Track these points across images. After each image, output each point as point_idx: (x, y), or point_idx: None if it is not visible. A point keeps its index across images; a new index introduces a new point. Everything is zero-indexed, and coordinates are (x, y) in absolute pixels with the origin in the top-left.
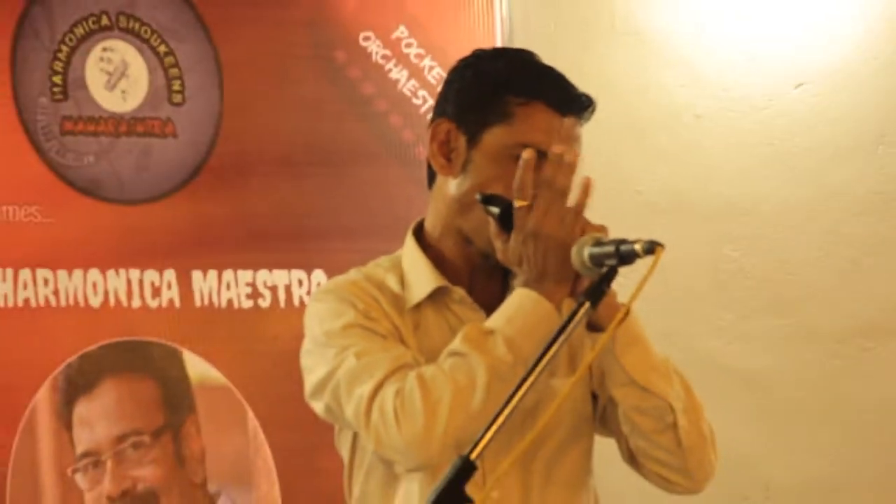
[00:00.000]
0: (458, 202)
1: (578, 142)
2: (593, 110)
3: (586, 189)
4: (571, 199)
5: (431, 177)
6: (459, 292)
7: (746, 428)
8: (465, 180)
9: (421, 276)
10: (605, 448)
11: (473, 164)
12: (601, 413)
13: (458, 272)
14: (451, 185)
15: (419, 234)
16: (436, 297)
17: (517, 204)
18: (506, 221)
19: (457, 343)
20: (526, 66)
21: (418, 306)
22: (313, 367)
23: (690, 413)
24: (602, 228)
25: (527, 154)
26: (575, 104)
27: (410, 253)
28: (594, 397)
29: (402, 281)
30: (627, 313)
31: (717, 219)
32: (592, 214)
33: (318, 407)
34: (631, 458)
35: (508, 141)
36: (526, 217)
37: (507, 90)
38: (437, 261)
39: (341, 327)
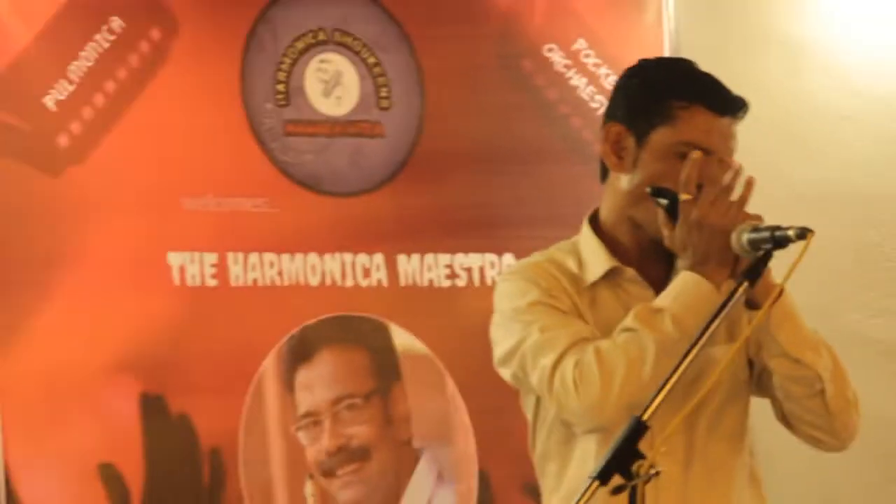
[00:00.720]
0: (630, 194)
1: (734, 139)
2: (747, 110)
3: (749, 186)
4: (735, 195)
5: (604, 172)
6: (631, 272)
7: (887, 393)
8: (635, 176)
9: (597, 259)
10: (757, 408)
11: (642, 162)
12: (757, 379)
13: (629, 255)
14: (623, 180)
15: (594, 221)
16: (610, 276)
17: (682, 197)
18: (672, 212)
19: (629, 320)
20: (686, 73)
21: (594, 285)
22: (501, 340)
23: (837, 381)
24: (758, 217)
25: (695, 154)
26: (730, 105)
27: (587, 238)
28: (750, 364)
29: (580, 263)
30: (782, 292)
31: (860, 207)
32: (751, 205)
33: (505, 374)
34: (783, 419)
35: (673, 140)
36: (690, 209)
37: (670, 95)
38: (611, 245)
39: (527, 304)
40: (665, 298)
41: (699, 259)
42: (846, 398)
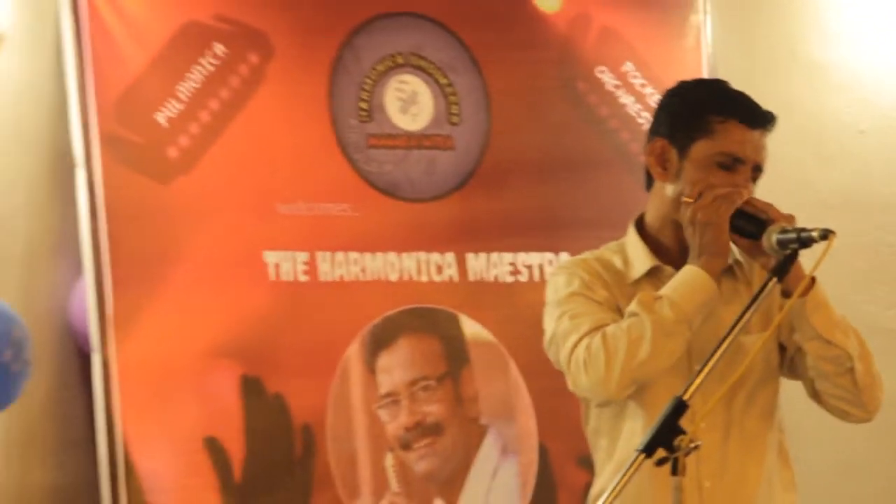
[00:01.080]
0: (674, 201)
1: (765, 149)
2: (775, 124)
3: (741, 192)
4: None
5: (649, 181)
6: (669, 270)
7: None
8: (678, 184)
9: (640, 258)
10: (787, 389)
11: (684, 172)
12: (789, 362)
13: (671, 255)
14: (668, 189)
15: (640, 225)
16: (651, 274)
17: (684, 200)
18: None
19: (632, 305)
20: (721, 92)
21: (637, 281)
22: (547, 326)
23: (864, 360)
24: (791, 218)
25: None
26: (761, 119)
27: (632, 239)
28: (781, 350)
29: (625, 261)
30: (813, 283)
31: (877, 211)
32: (780, 208)
33: (551, 357)
34: (815, 395)
35: (711, 151)
36: (686, 210)
37: (708, 111)
38: (654, 246)
39: (566, 295)
40: (667, 287)
41: (696, 253)
42: (872, 375)
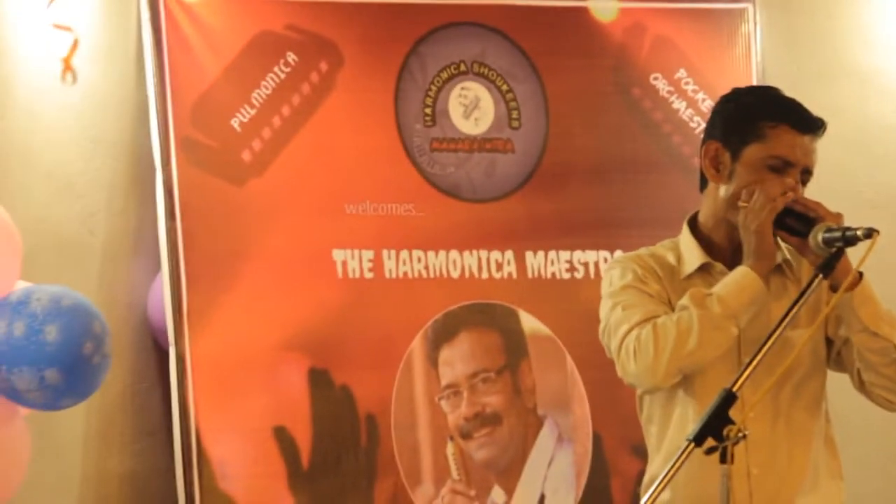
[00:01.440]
0: (727, 202)
1: (815, 153)
2: (825, 129)
3: (789, 193)
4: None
5: (703, 182)
6: (720, 266)
7: None
8: (731, 185)
9: (692, 255)
10: (835, 381)
11: (737, 174)
12: (836, 355)
13: (723, 252)
14: (721, 190)
15: (693, 223)
16: (703, 270)
17: (740, 204)
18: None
19: (684, 300)
20: (774, 98)
21: (689, 276)
22: (602, 317)
23: None
24: (838, 216)
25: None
26: (811, 125)
27: (686, 237)
28: (828, 343)
29: (679, 257)
30: (861, 278)
31: None
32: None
33: (604, 345)
34: (861, 386)
35: (763, 154)
36: (740, 214)
37: (760, 117)
38: (707, 244)
39: (620, 287)
40: (718, 285)
41: (747, 254)
42: None
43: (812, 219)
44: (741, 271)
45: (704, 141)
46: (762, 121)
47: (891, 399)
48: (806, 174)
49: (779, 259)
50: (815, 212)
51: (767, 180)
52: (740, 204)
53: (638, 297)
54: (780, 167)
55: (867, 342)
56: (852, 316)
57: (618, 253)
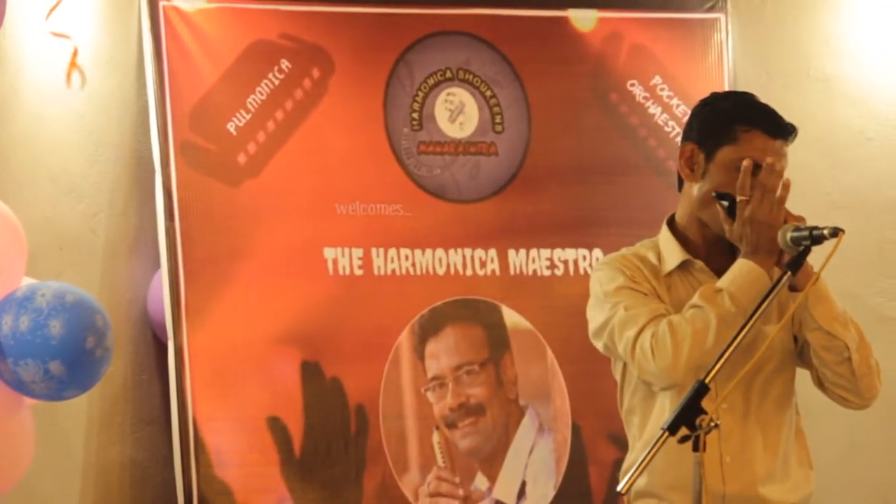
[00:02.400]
0: (699, 200)
1: (785, 157)
2: (796, 135)
3: (786, 186)
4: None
5: (680, 183)
6: (699, 263)
7: None
8: (704, 184)
9: (672, 253)
10: (806, 378)
11: (710, 174)
12: (799, 351)
13: (699, 249)
14: (695, 188)
15: (671, 223)
16: (682, 267)
17: (738, 198)
18: (731, 211)
19: (695, 298)
20: (748, 104)
21: (670, 274)
22: (594, 317)
23: (862, 351)
24: (801, 219)
25: (745, 162)
26: (783, 130)
27: (665, 236)
28: (796, 339)
29: (659, 256)
30: (817, 279)
31: (882, 211)
32: (795, 211)
33: (598, 345)
34: (819, 383)
35: (735, 156)
36: (745, 208)
37: (735, 121)
38: (684, 242)
39: (614, 288)
40: (724, 281)
41: (751, 249)
42: (869, 365)
43: (733, 198)
44: (747, 266)
45: (682, 143)
46: (736, 124)
47: (846, 397)
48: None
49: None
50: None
51: (768, 175)
52: (738, 198)
53: (634, 297)
54: (751, 169)
55: (821, 340)
56: (807, 314)
57: (596, 251)
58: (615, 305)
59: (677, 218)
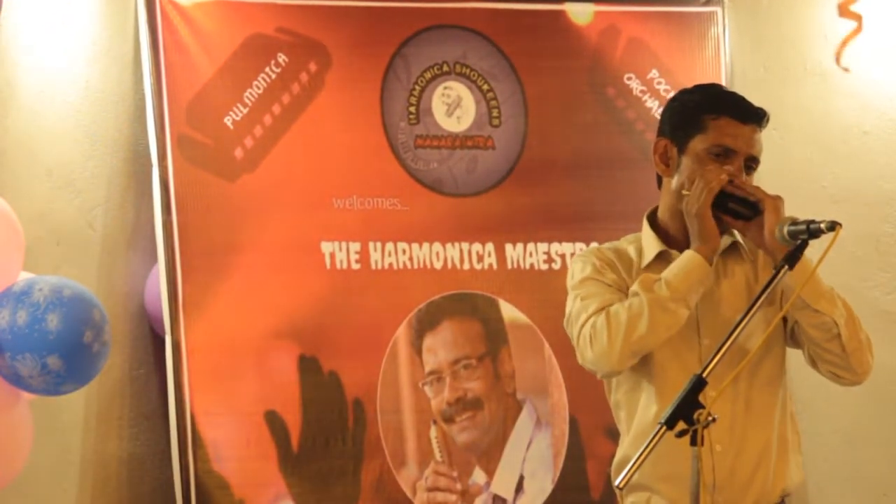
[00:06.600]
0: (675, 193)
1: (759, 143)
2: (767, 119)
3: (723, 180)
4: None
5: (660, 179)
6: (676, 254)
7: None
8: (679, 177)
9: (650, 245)
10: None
11: (683, 166)
12: (790, 332)
13: (679, 241)
14: (672, 183)
15: (652, 217)
16: (660, 258)
17: (682, 192)
18: (736, 214)
19: (634, 286)
20: (715, 93)
21: (649, 265)
22: (566, 308)
23: (850, 326)
24: (777, 198)
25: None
26: (752, 115)
27: (645, 230)
28: (784, 321)
29: (639, 249)
30: (813, 273)
31: (879, 204)
32: (792, 204)
33: (568, 334)
34: (811, 361)
35: (706, 145)
36: (683, 201)
37: (703, 111)
38: (665, 235)
39: (580, 280)
40: (666, 270)
41: (693, 238)
42: (859, 339)
43: (753, 203)
44: (687, 255)
45: (656, 139)
46: (705, 114)
47: (838, 373)
48: (751, 162)
49: (728, 241)
50: (755, 195)
51: (708, 168)
52: (683, 192)
53: (596, 287)
54: (722, 154)
55: (809, 318)
56: (794, 293)
57: (593, 245)
58: (576, 296)
59: (659, 212)
